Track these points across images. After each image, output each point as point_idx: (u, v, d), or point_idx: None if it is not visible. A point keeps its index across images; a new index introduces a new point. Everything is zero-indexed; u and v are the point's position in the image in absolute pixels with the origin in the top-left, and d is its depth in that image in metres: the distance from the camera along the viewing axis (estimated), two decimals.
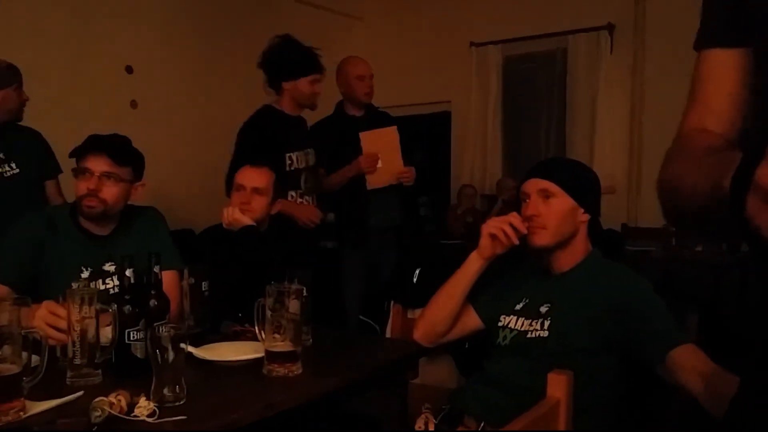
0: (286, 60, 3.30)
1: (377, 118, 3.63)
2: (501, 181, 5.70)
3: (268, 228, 2.41)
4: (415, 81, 6.39)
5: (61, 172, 3.07)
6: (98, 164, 1.97)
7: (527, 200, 1.73)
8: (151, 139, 4.40)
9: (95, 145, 2.00)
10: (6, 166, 2.81)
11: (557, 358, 1.59)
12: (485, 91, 6.16)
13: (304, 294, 1.64)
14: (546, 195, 1.71)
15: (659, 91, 5.38)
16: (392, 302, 2.66)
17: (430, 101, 6.45)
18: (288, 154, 3.11)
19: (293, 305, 1.60)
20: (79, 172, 1.99)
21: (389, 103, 6.78)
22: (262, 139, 3.08)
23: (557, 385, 1.08)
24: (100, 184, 1.96)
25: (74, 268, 1.99)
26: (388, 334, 2.64)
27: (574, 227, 1.72)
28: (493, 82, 6.11)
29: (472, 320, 1.88)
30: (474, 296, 1.86)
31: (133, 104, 4.74)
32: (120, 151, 2.03)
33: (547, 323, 1.70)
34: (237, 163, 2.81)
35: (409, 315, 2.64)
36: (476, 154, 6.21)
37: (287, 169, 3.09)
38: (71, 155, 2.03)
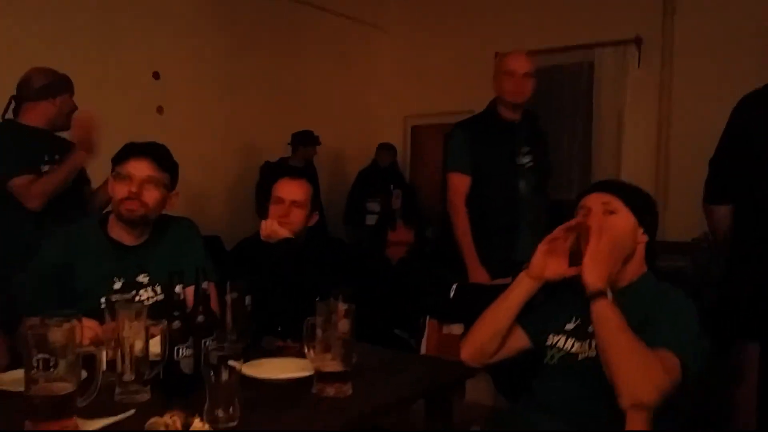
0: None
1: (535, 129, 3.23)
2: None
3: (306, 241, 2.38)
4: (439, 91, 6.38)
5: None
6: (140, 168, 1.96)
7: (588, 214, 1.69)
8: (177, 144, 4.31)
9: (138, 149, 2.00)
10: None
11: (607, 380, 1.54)
12: None
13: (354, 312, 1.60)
14: (609, 210, 1.67)
15: (687, 105, 5.34)
16: (428, 317, 2.62)
17: (454, 111, 6.41)
18: None
19: (343, 324, 1.57)
20: (120, 176, 1.97)
21: (413, 112, 6.81)
22: None
23: (637, 424, 1.03)
24: (141, 188, 1.95)
25: (106, 279, 1.97)
26: (423, 350, 2.61)
27: (633, 246, 1.68)
28: None
29: (520, 339, 1.83)
30: (522, 314, 1.82)
31: (160, 110, 4.74)
32: (162, 156, 2.03)
33: (593, 343, 1.66)
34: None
35: (445, 330, 2.61)
36: None
37: None
38: (113, 160, 2.02)
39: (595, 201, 1.70)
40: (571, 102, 5.90)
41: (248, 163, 5.41)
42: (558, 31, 5.75)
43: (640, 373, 1.43)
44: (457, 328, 2.59)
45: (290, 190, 2.37)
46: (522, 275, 1.76)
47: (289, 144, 5.56)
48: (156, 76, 4.73)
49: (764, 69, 4.98)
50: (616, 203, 1.68)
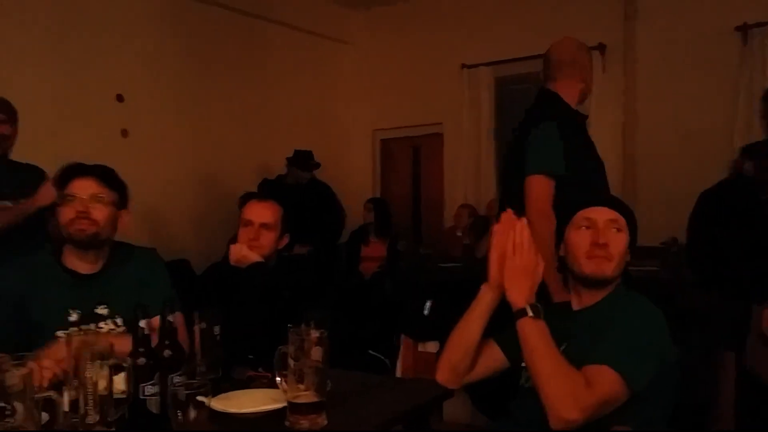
0: None
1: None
2: (493, 202, 5.69)
3: (276, 264, 2.34)
4: (406, 103, 6.37)
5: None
6: (86, 187, 1.92)
7: (593, 227, 1.67)
8: (143, 168, 4.34)
9: (81, 169, 1.96)
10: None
11: None
12: (477, 112, 6.14)
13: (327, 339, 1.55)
14: (617, 227, 1.66)
15: (651, 109, 5.40)
16: (402, 336, 2.60)
17: (422, 123, 6.42)
18: None
19: (316, 352, 1.52)
20: (65, 198, 1.92)
21: (382, 125, 6.80)
22: None
23: None
24: (89, 207, 1.90)
25: (61, 311, 1.88)
26: (398, 369, 2.58)
27: (625, 265, 1.69)
28: (485, 103, 6.10)
29: (498, 358, 1.81)
30: (500, 333, 1.80)
31: (124, 133, 4.65)
32: (107, 174, 1.99)
33: None
34: None
35: (420, 348, 2.58)
36: (469, 176, 6.18)
37: None
38: (57, 184, 1.98)
39: (601, 215, 1.68)
40: None
41: (216, 185, 5.34)
42: (522, 40, 5.77)
43: (560, 392, 1.44)
44: (432, 346, 2.57)
45: (259, 212, 2.33)
46: (483, 287, 1.72)
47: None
48: (120, 98, 4.63)
49: (726, 72, 5.08)
50: (622, 221, 1.67)
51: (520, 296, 1.57)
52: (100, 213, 1.91)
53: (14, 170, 2.83)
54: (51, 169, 2.85)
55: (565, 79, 2.64)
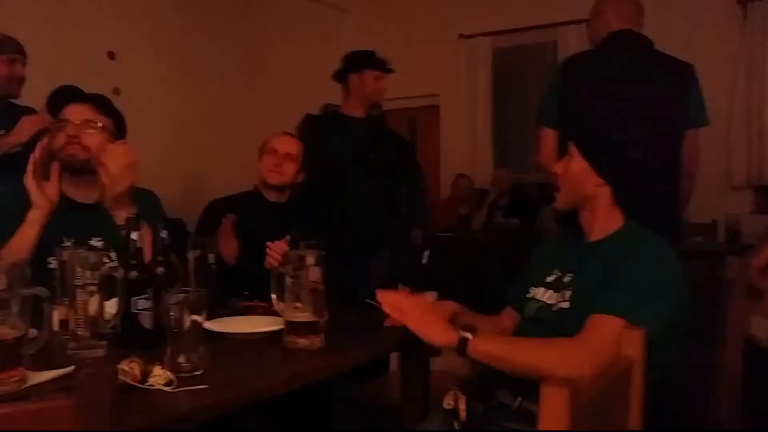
0: None
1: None
2: (496, 172, 5.67)
3: (288, 200, 2.40)
4: (403, 73, 6.27)
5: None
6: (79, 112, 1.89)
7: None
8: (134, 128, 4.21)
9: (74, 94, 1.93)
10: None
11: (577, 331, 1.45)
12: (474, 83, 6.09)
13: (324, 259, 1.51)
14: (569, 155, 1.64)
15: None
16: (399, 285, 2.55)
17: (419, 94, 6.36)
18: None
19: (313, 272, 1.48)
20: (58, 124, 1.88)
21: None
22: None
23: (631, 343, 0.96)
24: (81, 132, 1.86)
25: (54, 238, 1.78)
26: None
27: (586, 191, 1.61)
28: (482, 74, 6.05)
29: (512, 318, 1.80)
30: (511, 293, 1.80)
31: (116, 92, 4.54)
32: (101, 100, 1.96)
33: (568, 294, 1.59)
34: None
35: None
36: (465, 147, 6.13)
37: None
38: (48, 106, 1.96)
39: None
40: (535, 82, 5.88)
41: (210, 147, 5.27)
42: (521, 11, 5.73)
43: (554, 363, 1.35)
44: (429, 296, 2.53)
45: (284, 142, 2.42)
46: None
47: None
48: (111, 56, 4.55)
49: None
50: (572, 148, 1.64)
51: (446, 336, 1.46)
52: (91, 139, 1.87)
53: (19, 112, 2.81)
54: None
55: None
